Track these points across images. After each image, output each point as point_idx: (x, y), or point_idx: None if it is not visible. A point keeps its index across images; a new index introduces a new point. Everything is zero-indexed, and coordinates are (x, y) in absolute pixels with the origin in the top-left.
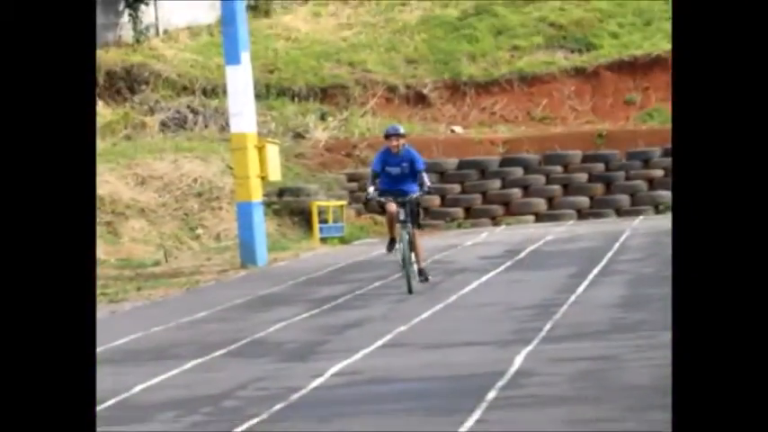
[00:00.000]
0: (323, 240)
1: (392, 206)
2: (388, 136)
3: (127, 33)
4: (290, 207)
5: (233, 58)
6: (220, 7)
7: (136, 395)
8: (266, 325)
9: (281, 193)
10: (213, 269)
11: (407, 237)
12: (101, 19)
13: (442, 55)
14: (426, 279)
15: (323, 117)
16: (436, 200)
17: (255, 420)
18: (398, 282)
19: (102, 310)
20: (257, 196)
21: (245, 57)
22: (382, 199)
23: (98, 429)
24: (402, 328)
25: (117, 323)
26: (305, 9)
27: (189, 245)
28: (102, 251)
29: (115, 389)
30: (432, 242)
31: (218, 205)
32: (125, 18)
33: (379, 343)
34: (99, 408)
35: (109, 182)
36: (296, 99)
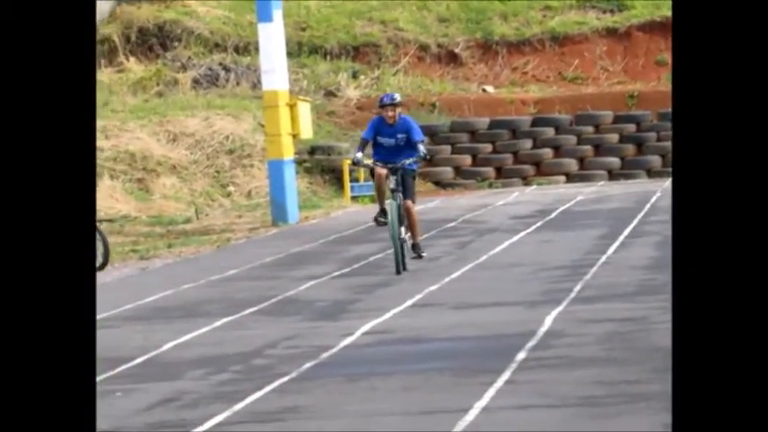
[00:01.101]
0: (354, 199)
1: (381, 170)
2: (383, 105)
3: None
4: (322, 165)
5: (265, 15)
6: None
7: (166, 352)
8: (297, 283)
9: (313, 150)
10: (244, 227)
11: (397, 208)
12: None
13: (474, 14)
14: (420, 256)
15: (354, 75)
16: (467, 159)
17: (285, 379)
18: (429, 241)
19: (133, 267)
20: (289, 154)
21: (278, 14)
22: (369, 162)
23: (129, 386)
24: (432, 288)
25: (147, 280)
26: None
27: (220, 202)
28: (133, 208)
29: (145, 346)
30: (462, 202)
31: (250, 163)
32: None
33: (409, 302)
34: (129, 365)
35: (140, 138)
36: (328, 57)
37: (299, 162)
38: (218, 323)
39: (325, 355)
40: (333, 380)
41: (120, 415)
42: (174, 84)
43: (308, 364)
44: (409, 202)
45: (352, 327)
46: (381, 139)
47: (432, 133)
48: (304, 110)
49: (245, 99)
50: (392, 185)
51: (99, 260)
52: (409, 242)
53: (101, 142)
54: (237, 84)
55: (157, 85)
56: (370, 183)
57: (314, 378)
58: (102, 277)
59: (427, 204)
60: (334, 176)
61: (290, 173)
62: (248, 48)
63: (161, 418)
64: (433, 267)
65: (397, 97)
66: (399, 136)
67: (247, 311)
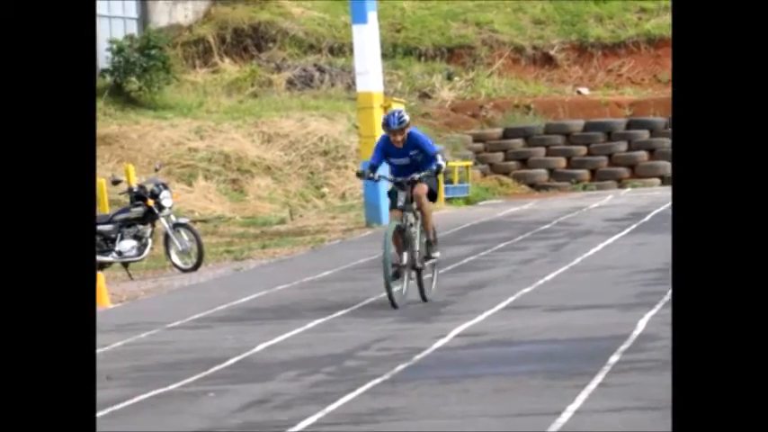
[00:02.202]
0: (448, 201)
1: (392, 215)
2: (390, 130)
3: None
4: None
5: (360, 17)
6: None
7: (258, 353)
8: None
9: None
10: (338, 228)
11: (395, 230)
12: None
13: (570, 16)
14: (430, 256)
15: (449, 77)
16: (562, 161)
17: (378, 381)
18: (523, 243)
19: (227, 268)
20: None
21: (372, 16)
22: (377, 176)
23: (221, 387)
24: (526, 290)
25: (241, 281)
26: None
27: (314, 203)
28: (227, 208)
29: (238, 347)
30: (557, 204)
31: (344, 164)
32: None
33: (503, 304)
34: (222, 366)
35: (235, 139)
36: (422, 58)
37: None
38: (310, 324)
39: (417, 357)
40: (425, 382)
41: (212, 416)
42: (269, 85)
43: (400, 366)
44: (421, 188)
45: (444, 329)
46: (393, 160)
47: (526, 135)
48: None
49: (339, 100)
50: (401, 202)
51: (193, 260)
52: (423, 238)
53: (195, 143)
54: (332, 85)
55: (252, 86)
56: (464, 185)
57: (406, 380)
58: (196, 278)
59: (521, 206)
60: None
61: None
62: (343, 49)
63: (253, 419)
64: (527, 270)
65: (406, 117)
66: (412, 153)
67: (340, 313)
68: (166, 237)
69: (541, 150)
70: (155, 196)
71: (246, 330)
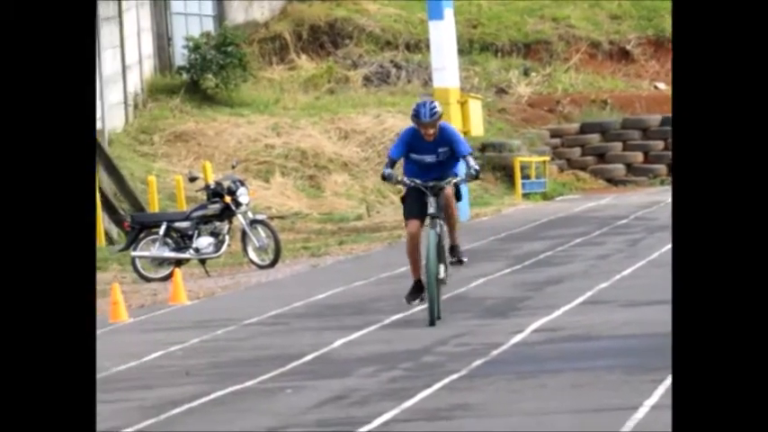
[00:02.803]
0: (525, 196)
1: (414, 225)
2: (420, 123)
3: None
4: (493, 162)
5: (436, 13)
6: None
7: (335, 350)
8: (467, 281)
9: (484, 148)
10: None
11: (435, 238)
12: None
13: (646, 11)
14: (460, 261)
15: (526, 72)
16: (639, 156)
17: (455, 376)
18: (600, 238)
19: (304, 264)
20: None
21: (449, 12)
22: (407, 180)
23: (299, 384)
24: (603, 285)
25: (318, 277)
26: None
27: (390, 199)
28: (304, 205)
29: (315, 343)
30: (634, 199)
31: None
32: None
33: (580, 300)
34: (300, 362)
35: (311, 136)
36: (499, 54)
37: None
38: (387, 321)
39: (494, 352)
40: (502, 377)
41: (289, 412)
42: (345, 81)
43: (477, 362)
44: (449, 190)
45: (522, 324)
46: (417, 157)
47: (603, 130)
48: (475, 107)
49: (415, 96)
50: (433, 209)
51: (270, 257)
52: (447, 244)
53: (272, 140)
54: (408, 81)
55: (328, 82)
56: (542, 180)
57: (483, 375)
58: (273, 274)
59: (598, 202)
60: (505, 174)
61: (461, 170)
62: (419, 45)
63: (330, 415)
64: (604, 264)
65: (438, 109)
66: (441, 150)
67: (417, 309)
68: (243, 233)
69: (618, 145)
70: (232, 193)
71: (324, 327)
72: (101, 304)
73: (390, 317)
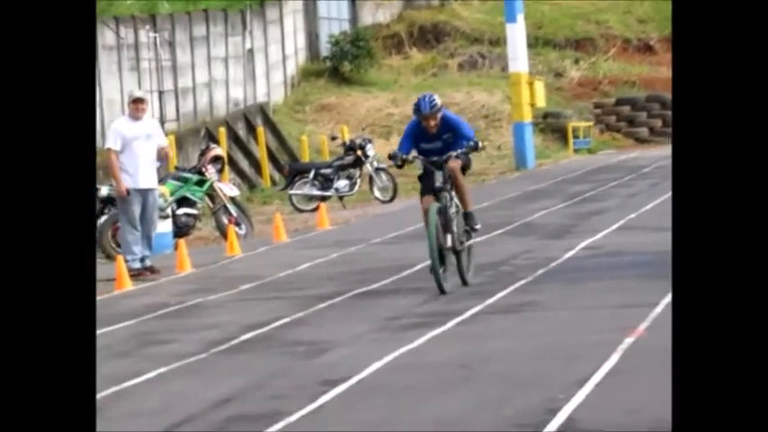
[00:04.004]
0: (575, 151)
1: (427, 201)
2: (421, 115)
3: None
4: (552, 126)
5: (511, 18)
6: None
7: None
8: (532, 212)
9: (545, 116)
10: (495, 171)
11: (439, 212)
12: None
13: (665, 15)
14: (474, 228)
15: (576, 61)
16: (659, 122)
17: (524, 281)
18: (629, 181)
19: (415, 200)
20: (528, 118)
21: (520, 17)
22: (410, 157)
23: (410, 286)
24: (632, 216)
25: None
26: None
27: (476, 153)
28: None
29: (423, 257)
30: (655, 153)
31: (500, 125)
32: None
33: (615, 226)
34: (411, 270)
35: None
36: (556, 48)
37: (535, 124)
38: (477, 239)
39: (553, 264)
40: (558, 282)
41: (403, 307)
42: (445, 67)
43: (540, 271)
44: (454, 163)
45: (572, 244)
46: (426, 146)
47: (632, 103)
48: (539, 86)
49: (496, 79)
50: (438, 183)
51: (390, 195)
52: (461, 211)
53: (391, 109)
54: (491, 68)
55: (432, 68)
56: (588, 139)
57: (545, 281)
58: (391, 207)
59: (629, 155)
60: (560, 135)
61: (528, 132)
62: (499, 41)
63: (433, 309)
64: (633, 201)
65: (437, 101)
66: (445, 136)
67: (497, 232)
68: (370, 177)
69: (644, 114)
70: (362, 148)
71: (406, 244)
72: (266, 229)
73: (477, 238)
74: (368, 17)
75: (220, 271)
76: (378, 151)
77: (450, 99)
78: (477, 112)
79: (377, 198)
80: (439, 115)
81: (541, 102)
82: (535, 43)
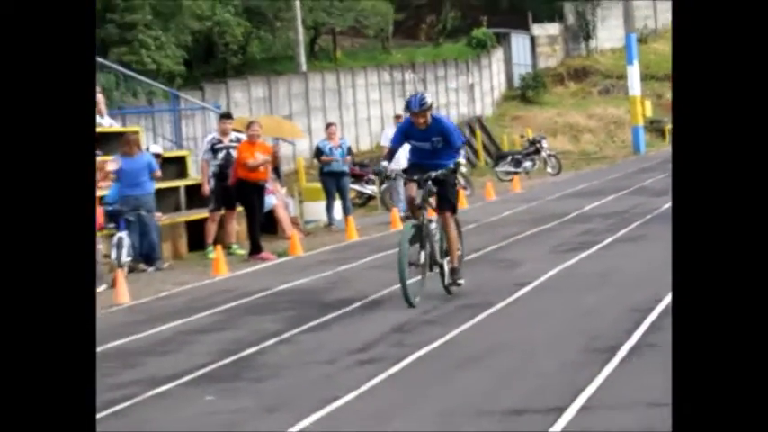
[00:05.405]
0: (670, 143)
1: (412, 188)
2: (411, 112)
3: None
4: (655, 128)
5: (630, 62)
6: (625, 39)
7: (585, 211)
8: (644, 180)
9: (651, 122)
10: (620, 156)
11: (412, 229)
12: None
13: None
14: (456, 283)
15: (670, 88)
16: None
17: (638, 222)
18: None
19: (572, 174)
20: (641, 123)
21: (636, 61)
22: (395, 172)
23: (566, 228)
24: None
25: (579, 179)
26: (666, 36)
27: (609, 145)
28: (570, 147)
29: (578, 207)
30: None
31: (623, 128)
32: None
33: None
34: (564, 218)
35: (574, 117)
36: (658, 80)
37: (645, 126)
38: (610, 198)
39: (656, 211)
40: (660, 223)
41: (562, 238)
42: (590, 94)
43: (648, 216)
44: (447, 215)
45: (668, 199)
46: (416, 143)
47: None
48: (647, 104)
49: (621, 99)
50: (418, 201)
51: (557, 170)
52: (447, 266)
53: (557, 118)
54: (618, 93)
55: (582, 94)
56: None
57: (652, 223)
58: (557, 179)
59: None
60: (660, 133)
61: (641, 131)
62: (622, 76)
63: (582, 239)
64: None
65: (427, 100)
66: (434, 139)
67: (622, 193)
68: (544, 160)
69: None
70: (538, 142)
71: (582, 200)
72: (480, 192)
73: (609, 197)
74: (543, 63)
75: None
76: (548, 145)
77: (593, 112)
78: (609, 120)
79: (548, 172)
80: (429, 114)
81: (649, 113)
82: (645, 77)
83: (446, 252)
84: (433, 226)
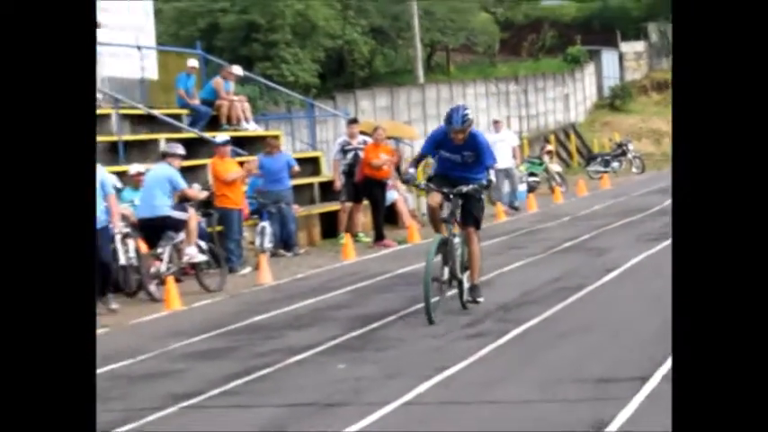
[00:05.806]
0: None
1: (436, 197)
2: (452, 129)
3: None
4: None
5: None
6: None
7: (658, 208)
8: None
9: None
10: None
11: (439, 243)
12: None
13: None
14: (476, 301)
15: None
16: None
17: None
18: None
19: (654, 173)
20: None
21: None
22: (422, 184)
23: (634, 218)
24: None
25: (651, 179)
26: None
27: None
28: (653, 149)
29: (652, 204)
30: None
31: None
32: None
33: None
34: (645, 213)
35: (656, 122)
36: None
37: None
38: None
39: None
40: None
41: (643, 231)
42: (668, 104)
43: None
44: (471, 230)
45: None
46: (445, 154)
47: None
48: None
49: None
50: (444, 214)
51: (640, 169)
52: (467, 283)
53: (641, 124)
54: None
55: (664, 102)
56: None
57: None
58: (641, 177)
59: None
60: None
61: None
62: None
63: (667, 230)
64: None
65: (470, 116)
66: (466, 153)
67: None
68: (630, 161)
69: None
70: (624, 145)
71: (663, 196)
72: (573, 191)
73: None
74: (629, 76)
75: (552, 209)
76: (634, 146)
77: (656, 125)
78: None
79: (633, 172)
80: (468, 130)
81: None
82: None
83: (466, 267)
84: (456, 240)
